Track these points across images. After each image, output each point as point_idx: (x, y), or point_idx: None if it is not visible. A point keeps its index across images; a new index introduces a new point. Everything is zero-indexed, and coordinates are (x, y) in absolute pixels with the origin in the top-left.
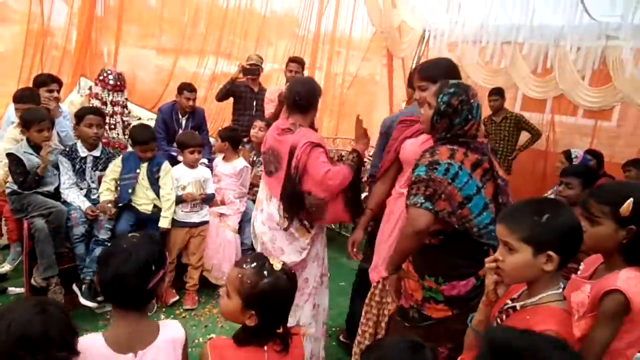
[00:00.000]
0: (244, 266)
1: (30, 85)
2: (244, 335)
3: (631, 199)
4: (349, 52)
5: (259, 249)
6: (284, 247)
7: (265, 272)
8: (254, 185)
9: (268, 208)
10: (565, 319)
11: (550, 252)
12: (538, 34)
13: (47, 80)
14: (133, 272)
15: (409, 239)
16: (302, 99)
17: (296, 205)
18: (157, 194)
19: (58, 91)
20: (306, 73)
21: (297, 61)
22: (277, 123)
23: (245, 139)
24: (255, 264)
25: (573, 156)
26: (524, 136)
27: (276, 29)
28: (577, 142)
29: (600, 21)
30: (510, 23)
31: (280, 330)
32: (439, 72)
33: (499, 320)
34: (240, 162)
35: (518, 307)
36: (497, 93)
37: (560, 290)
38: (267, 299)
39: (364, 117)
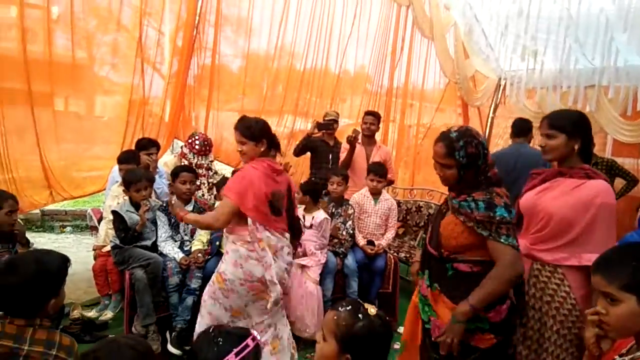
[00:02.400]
0: (340, 309)
1: (133, 147)
2: None
3: None
4: (422, 104)
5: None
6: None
7: (360, 315)
8: (333, 237)
9: (286, 247)
10: None
11: None
12: (623, 76)
13: (147, 144)
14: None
15: (509, 282)
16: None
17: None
18: None
19: (156, 154)
20: (381, 126)
21: (373, 114)
22: (268, 163)
23: (324, 192)
24: (350, 307)
25: None
26: (619, 182)
27: (349, 86)
28: None
29: None
30: (592, 66)
31: None
32: (568, 122)
33: None
34: (320, 214)
35: None
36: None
37: None
38: (362, 342)
39: None
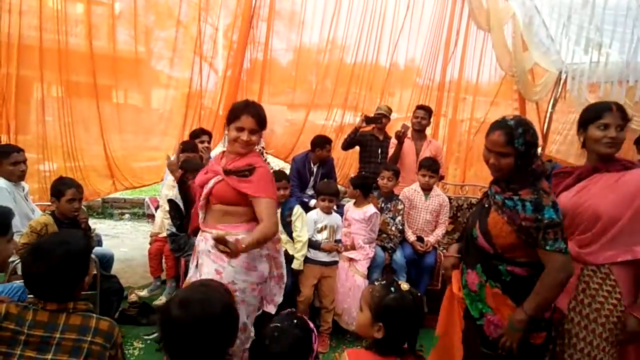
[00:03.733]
0: (375, 283)
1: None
2: (376, 348)
3: None
4: (475, 98)
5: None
6: None
7: (392, 289)
8: (382, 232)
9: None
10: None
11: None
12: None
13: (199, 133)
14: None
15: (560, 286)
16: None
17: None
18: (290, 236)
19: (209, 142)
20: (431, 120)
21: (424, 109)
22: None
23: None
24: (385, 282)
25: None
26: None
27: (399, 80)
28: None
29: None
30: None
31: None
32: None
33: None
34: (370, 209)
35: None
36: None
37: None
38: (393, 313)
39: None
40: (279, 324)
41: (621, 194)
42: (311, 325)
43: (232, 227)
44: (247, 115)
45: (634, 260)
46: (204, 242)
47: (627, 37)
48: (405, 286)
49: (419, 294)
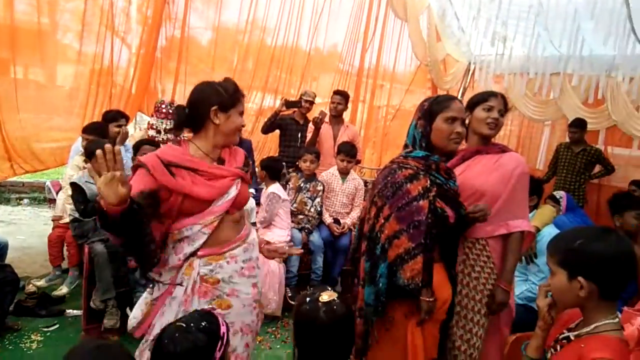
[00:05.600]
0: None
1: (97, 119)
2: None
3: None
4: (392, 85)
5: None
6: None
7: (308, 299)
8: (300, 212)
9: None
10: (622, 349)
11: (581, 279)
12: (588, 65)
13: (116, 116)
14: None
15: None
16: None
17: None
18: None
19: (126, 125)
20: (350, 106)
21: (341, 94)
22: None
23: (292, 168)
24: (311, 291)
25: (558, 197)
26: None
27: (320, 64)
28: (632, 173)
29: None
30: (558, 54)
31: None
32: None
33: (553, 351)
34: (270, 189)
35: (572, 337)
36: (577, 125)
37: (617, 320)
38: (304, 327)
39: None
40: (184, 324)
41: (500, 174)
42: (223, 329)
43: (247, 232)
44: (242, 96)
45: (505, 235)
46: (228, 265)
47: (529, 32)
48: (325, 297)
49: (345, 306)
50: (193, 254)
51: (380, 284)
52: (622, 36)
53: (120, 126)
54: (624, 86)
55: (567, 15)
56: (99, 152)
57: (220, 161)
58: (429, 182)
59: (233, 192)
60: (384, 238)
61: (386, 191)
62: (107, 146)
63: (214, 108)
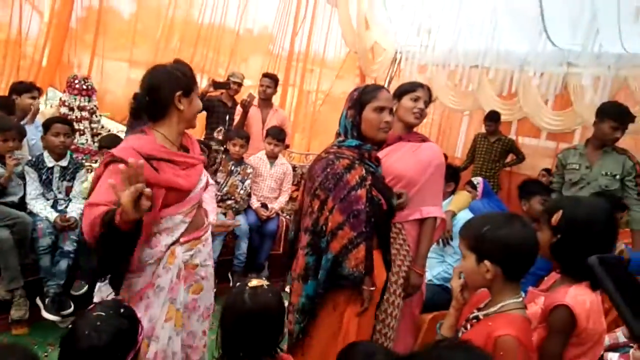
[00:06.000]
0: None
1: (5, 93)
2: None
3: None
4: (322, 70)
5: None
6: None
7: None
8: (230, 195)
9: None
10: (525, 326)
11: (487, 262)
12: (503, 59)
13: (29, 87)
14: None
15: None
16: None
17: None
18: None
19: (38, 98)
20: (279, 89)
21: (270, 77)
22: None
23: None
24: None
25: (475, 183)
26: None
27: (250, 45)
28: (540, 162)
29: (562, 49)
30: (478, 48)
31: None
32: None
33: (464, 330)
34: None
35: (481, 317)
36: (491, 119)
37: (521, 299)
38: (229, 315)
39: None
40: (102, 312)
41: (418, 162)
42: (139, 315)
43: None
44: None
45: (420, 221)
46: (204, 247)
47: (452, 25)
48: (254, 282)
49: (272, 292)
50: (174, 242)
51: (320, 276)
52: (534, 33)
53: (34, 98)
54: (535, 80)
55: (486, 11)
56: (122, 166)
57: (185, 149)
58: (364, 171)
59: (204, 178)
60: (329, 231)
61: (328, 183)
62: (132, 160)
63: (178, 94)
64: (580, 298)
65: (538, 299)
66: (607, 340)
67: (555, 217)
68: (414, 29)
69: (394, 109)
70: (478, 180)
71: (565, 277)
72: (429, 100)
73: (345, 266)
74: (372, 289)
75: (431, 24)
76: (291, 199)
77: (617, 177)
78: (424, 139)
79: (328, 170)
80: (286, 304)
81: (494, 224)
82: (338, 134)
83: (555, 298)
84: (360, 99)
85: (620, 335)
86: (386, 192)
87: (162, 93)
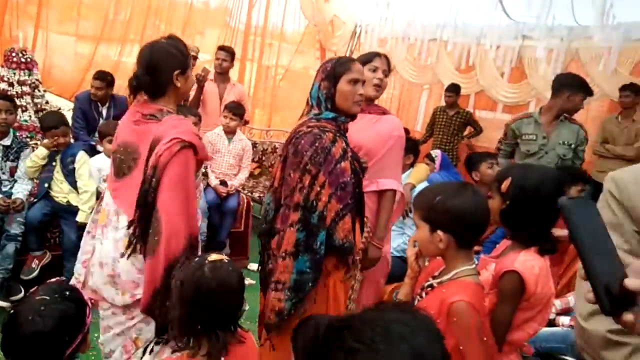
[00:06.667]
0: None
1: None
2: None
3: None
4: (281, 45)
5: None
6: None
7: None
8: None
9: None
10: (478, 292)
11: (439, 232)
12: (461, 33)
13: None
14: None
15: None
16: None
17: (145, 222)
18: (74, 186)
19: None
20: (237, 64)
21: (225, 50)
22: (135, 107)
23: None
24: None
25: (433, 155)
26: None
27: (206, 18)
28: (497, 134)
29: (517, 21)
30: (436, 21)
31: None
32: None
33: (419, 298)
34: None
35: (435, 284)
36: (452, 90)
37: (474, 266)
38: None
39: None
40: (46, 296)
41: (378, 134)
42: (85, 297)
43: None
44: None
45: (377, 193)
46: None
47: None
48: (213, 256)
49: (231, 267)
50: None
51: (321, 252)
52: (490, 6)
53: None
54: (491, 53)
55: None
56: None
57: None
58: (344, 143)
59: None
60: (322, 206)
61: (318, 158)
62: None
63: (176, 72)
64: (529, 263)
65: (490, 265)
66: (559, 304)
67: (505, 184)
68: (372, 2)
69: None
70: (436, 153)
71: (515, 244)
72: (388, 69)
73: (335, 238)
74: (358, 257)
75: None
76: (253, 175)
77: (572, 146)
78: (384, 112)
79: (317, 144)
80: (247, 282)
81: (446, 194)
82: (310, 106)
83: (504, 264)
84: (335, 70)
85: (571, 299)
86: (359, 162)
87: (161, 72)
